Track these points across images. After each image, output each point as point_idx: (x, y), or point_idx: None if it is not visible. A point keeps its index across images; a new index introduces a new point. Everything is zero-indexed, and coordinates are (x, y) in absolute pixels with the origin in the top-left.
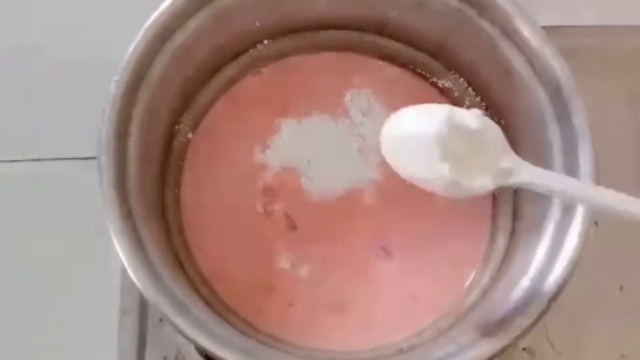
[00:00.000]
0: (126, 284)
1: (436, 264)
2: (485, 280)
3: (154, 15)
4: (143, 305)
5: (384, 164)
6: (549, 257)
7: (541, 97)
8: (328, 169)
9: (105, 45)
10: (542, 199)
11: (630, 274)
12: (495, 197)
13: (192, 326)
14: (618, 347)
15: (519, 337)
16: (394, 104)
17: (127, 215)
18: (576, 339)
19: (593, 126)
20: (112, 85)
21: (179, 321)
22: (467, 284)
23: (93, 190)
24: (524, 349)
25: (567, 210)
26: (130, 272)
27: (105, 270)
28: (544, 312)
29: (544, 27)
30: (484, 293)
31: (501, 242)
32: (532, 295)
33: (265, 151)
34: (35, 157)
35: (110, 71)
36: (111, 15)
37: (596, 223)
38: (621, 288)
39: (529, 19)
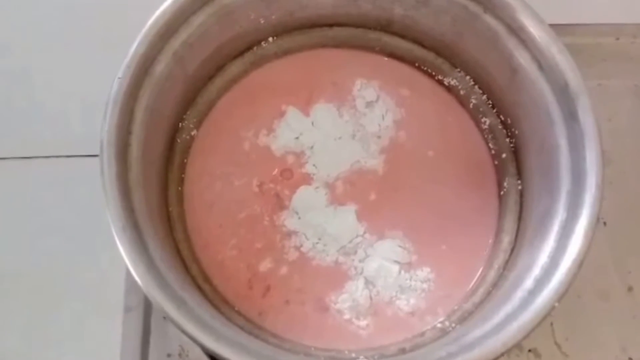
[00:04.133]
0: (131, 282)
1: (441, 264)
2: (490, 279)
3: (158, 12)
4: (147, 303)
5: (383, 152)
6: (553, 257)
7: (547, 94)
8: (331, 155)
9: (109, 42)
10: (547, 199)
11: (639, 275)
12: (501, 196)
13: (191, 322)
14: (625, 349)
15: (522, 338)
16: (402, 100)
17: (129, 212)
18: (583, 340)
19: (599, 123)
20: (115, 82)
21: (178, 318)
22: (472, 283)
23: (97, 188)
24: (530, 350)
25: (573, 211)
26: (131, 269)
27: (110, 268)
28: (547, 313)
29: (552, 25)
30: (489, 293)
31: (506, 241)
32: (536, 295)
33: (270, 135)
34: (40, 155)
35: (114, 68)
36: (115, 12)
37: (605, 223)
38: (630, 289)
39: (535, 16)
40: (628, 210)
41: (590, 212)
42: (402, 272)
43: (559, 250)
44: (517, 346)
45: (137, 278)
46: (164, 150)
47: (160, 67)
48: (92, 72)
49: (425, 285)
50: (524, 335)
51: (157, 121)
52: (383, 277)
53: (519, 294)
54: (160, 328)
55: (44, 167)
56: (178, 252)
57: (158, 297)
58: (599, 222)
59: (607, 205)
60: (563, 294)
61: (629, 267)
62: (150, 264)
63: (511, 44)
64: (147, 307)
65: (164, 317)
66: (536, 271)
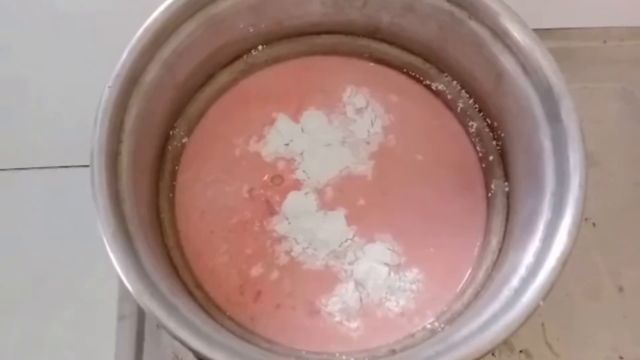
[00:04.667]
0: (124, 290)
1: (430, 266)
2: (479, 280)
3: (147, 21)
4: (141, 311)
5: (372, 157)
6: (538, 256)
7: (532, 97)
8: (320, 161)
9: (103, 54)
10: (533, 199)
11: (629, 276)
12: (489, 198)
13: (183, 329)
14: (616, 348)
15: (508, 336)
16: (391, 106)
17: (120, 220)
18: (574, 340)
19: (583, 125)
20: (105, 91)
21: (170, 324)
22: (461, 284)
23: (90, 197)
24: (521, 351)
25: (557, 211)
26: (122, 276)
27: (104, 276)
28: (533, 311)
29: (541, 30)
30: (477, 293)
31: (495, 242)
32: (521, 294)
33: (260, 141)
34: (34, 166)
35: (105, 78)
36: (106, 22)
37: (594, 224)
38: (620, 289)
39: (519, 21)
40: (617, 211)
41: (574, 212)
42: (392, 273)
43: (544, 249)
44: (508, 347)
45: (128, 285)
46: (155, 158)
47: (150, 75)
48: (87, 83)
49: (414, 286)
50: (510, 333)
51: (147, 129)
52: (373, 279)
53: (505, 292)
54: (153, 336)
55: (39, 178)
56: (169, 259)
57: (149, 304)
58: (587, 223)
59: (596, 206)
60: (548, 292)
61: (619, 267)
62: (141, 271)
63: (496, 49)
64: (141, 315)
65: (158, 326)
66: (522, 271)
